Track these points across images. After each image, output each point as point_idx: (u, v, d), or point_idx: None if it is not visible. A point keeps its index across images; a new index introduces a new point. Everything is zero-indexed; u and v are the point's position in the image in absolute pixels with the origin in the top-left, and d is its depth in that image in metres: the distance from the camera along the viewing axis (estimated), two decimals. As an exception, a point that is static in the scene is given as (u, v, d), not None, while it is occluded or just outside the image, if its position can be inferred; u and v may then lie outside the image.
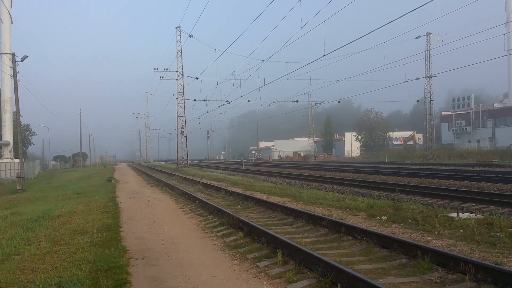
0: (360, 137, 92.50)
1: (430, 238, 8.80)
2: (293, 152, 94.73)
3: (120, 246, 9.15)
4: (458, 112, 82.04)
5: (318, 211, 12.88)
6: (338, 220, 10.35)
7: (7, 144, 55.04)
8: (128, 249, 8.98)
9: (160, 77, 55.04)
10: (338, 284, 5.87)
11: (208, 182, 26.46)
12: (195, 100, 56.21)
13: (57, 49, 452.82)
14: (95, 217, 13.49)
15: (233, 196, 18.13)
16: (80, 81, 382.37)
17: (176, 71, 54.30)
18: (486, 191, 18.00)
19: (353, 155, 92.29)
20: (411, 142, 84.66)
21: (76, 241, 9.66)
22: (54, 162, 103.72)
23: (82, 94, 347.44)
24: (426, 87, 58.39)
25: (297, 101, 59.89)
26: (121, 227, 11.72)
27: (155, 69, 55.06)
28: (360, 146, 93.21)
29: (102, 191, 24.02)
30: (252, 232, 9.77)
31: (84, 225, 11.83)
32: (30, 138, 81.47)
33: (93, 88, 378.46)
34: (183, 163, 56.54)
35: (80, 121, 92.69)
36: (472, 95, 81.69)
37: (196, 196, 17.62)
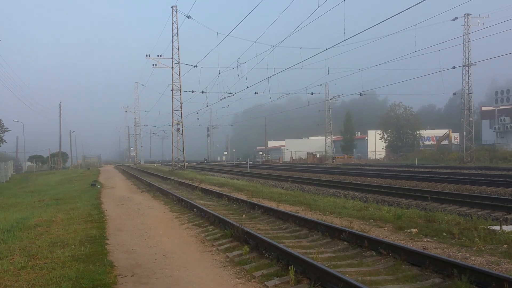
0: (385, 136, 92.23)
1: (468, 255, 8.77)
2: (307, 153, 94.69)
3: (106, 261, 9.18)
4: (501, 107, 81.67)
5: (336, 222, 12.85)
6: (360, 233, 10.32)
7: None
8: (115, 265, 9.00)
9: (153, 65, 55.15)
10: (360, 308, 5.86)
11: (208, 187, 26.49)
12: (193, 91, 56.18)
13: (35, 33, 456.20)
14: (77, 227, 13.54)
15: (237, 204, 18.14)
16: (61, 70, 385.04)
17: (172, 58, 54.35)
18: (534, 200, 17.86)
19: (378, 156, 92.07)
20: (445, 142, 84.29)
21: (55, 255, 9.69)
22: (29, 163, 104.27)
23: (63, 85, 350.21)
24: (464, 78, 58.11)
25: (312, 94, 59.80)
26: (108, 239, 11.75)
27: (147, 55, 55.18)
28: (386, 147, 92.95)
29: (85, 197, 24.12)
30: (259, 246, 9.77)
31: (64, 237, 11.88)
32: (1, 135, 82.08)
33: (75, 78, 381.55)
34: (179, 165, 56.65)
35: (60, 115, 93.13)
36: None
37: (194, 203, 17.64)
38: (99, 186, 32.36)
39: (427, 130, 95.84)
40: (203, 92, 54.98)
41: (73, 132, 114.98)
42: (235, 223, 11.93)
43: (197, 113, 76.72)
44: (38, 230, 13.29)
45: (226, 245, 10.60)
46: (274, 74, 38.67)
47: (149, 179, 38.88)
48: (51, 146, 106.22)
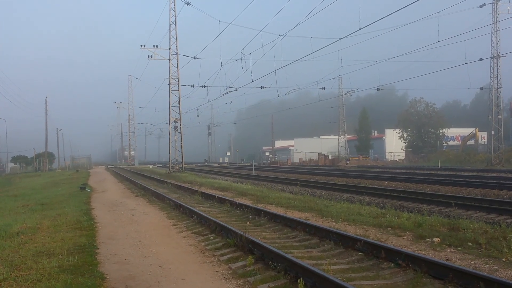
0: (405, 135, 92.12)
1: (496, 267, 8.75)
2: (318, 154, 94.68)
3: (96, 272, 9.21)
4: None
5: (350, 230, 12.85)
6: (377, 242, 10.32)
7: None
8: (106, 277, 9.03)
9: (148, 56, 55.11)
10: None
11: (209, 191, 26.53)
12: (192, 86, 56.22)
13: (19, 23, 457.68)
14: (65, 235, 13.57)
15: (241, 210, 18.17)
16: (47, 62, 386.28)
17: (169, 49, 54.41)
18: None
19: (396, 158, 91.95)
20: (471, 142, 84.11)
21: (40, 266, 9.73)
22: (12, 165, 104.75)
23: (50, 79, 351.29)
24: (492, 71, 57.96)
25: (324, 88, 59.70)
26: (98, 248, 11.79)
27: (141, 46, 55.12)
28: (406, 147, 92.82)
29: (74, 202, 24.18)
30: (265, 256, 9.79)
31: (50, 245, 11.92)
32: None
33: (63, 71, 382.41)
34: (177, 167, 56.72)
35: (46, 112, 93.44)
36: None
37: (194, 209, 17.67)
38: (89, 190, 32.43)
39: (451, 129, 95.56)
40: (203, 86, 54.98)
41: (60, 130, 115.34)
42: (238, 231, 11.93)
43: (197, 109, 77.01)
44: (21, 238, 13.33)
45: (229, 255, 10.62)
46: (282, 67, 38.74)
47: (144, 182, 38.96)
48: (36, 146, 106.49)
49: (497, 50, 56.88)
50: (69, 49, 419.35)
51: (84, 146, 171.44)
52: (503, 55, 57.28)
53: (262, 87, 52.94)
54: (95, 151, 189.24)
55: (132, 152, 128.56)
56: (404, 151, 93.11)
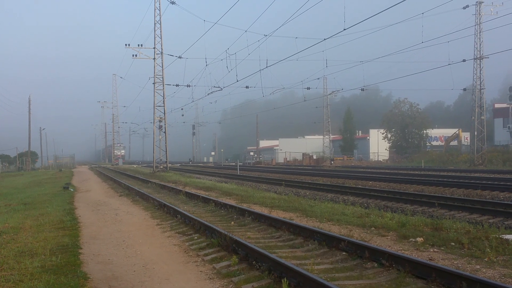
0: (389, 136, 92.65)
1: (478, 266, 8.82)
2: (302, 154, 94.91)
3: (79, 272, 9.16)
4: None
5: (334, 230, 12.90)
6: (361, 242, 10.36)
7: None
8: (90, 277, 8.99)
9: (133, 55, 54.91)
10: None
11: (194, 191, 26.48)
12: (177, 85, 56.16)
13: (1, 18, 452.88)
14: (48, 234, 13.49)
15: (225, 210, 18.15)
16: (31, 60, 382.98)
17: (154, 48, 54.22)
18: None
19: (380, 158, 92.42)
20: (455, 143, 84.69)
21: (23, 266, 9.66)
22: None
23: (33, 76, 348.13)
24: (475, 72, 58.41)
25: (308, 88, 59.94)
26: (81, 248, 11.73)
27: (126, 45, 54.91)
28: (390, 147, 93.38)
29: (57, 201, 24.02)
30: (249, 256, 9.79)
31: (33, 245, 11.84)
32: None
33: (46, 69, 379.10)
34: (161, 167, 56.55)
35: (29, 110, 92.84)
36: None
37: (178, 209, 17.62)
38: (72, 190, 32.22)
39: (434, 130, 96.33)
40: (188, 86, 54.95)
41: (43, 129, 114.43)
42: (222, 231, 11.93)
43: (182, 109, 76.90)
44: (3, 237, 13.23)
45: (213, 255, 10.61)
46: (267, 67, 38.71)
47: (128, 181, 38.80)
48: (19, 145, 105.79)
49: (480, 52, 57.33)
50: (52, 47, 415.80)
51: (67, 145, 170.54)
52: (486, 57, 57.73)
53: (247, 87, 52.96)
54: (79, 150, 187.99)
55: (123, 151, 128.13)
56: (388, 151, 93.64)
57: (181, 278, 8.99)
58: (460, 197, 21.44)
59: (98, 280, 8.79)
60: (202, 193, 25.23)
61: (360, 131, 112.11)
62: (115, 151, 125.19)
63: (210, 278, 8.87)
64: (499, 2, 55.55)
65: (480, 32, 56.61)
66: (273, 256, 9.18)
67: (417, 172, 45.21)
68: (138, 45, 54.75)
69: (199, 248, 11.49)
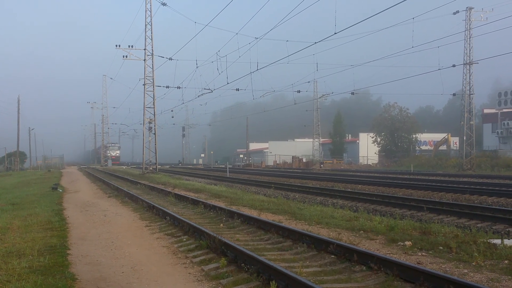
0: (379, 140, 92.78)
1: (466, 271, 8.87)
2: (292, 157, 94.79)
3: (67, 273, 9.12)
4: (505, 110, 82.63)
5: (323, 233, 12.92)
6: (349, 245, 10.39)
7: None
8: (78, 278, 8.95)
9: (123, 56, 54.79)
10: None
11: (183, 193, 26.45)
12: (167, 87, 56.08)
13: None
14: (36, 235, 13.43)
15: (215, 212, 18.14)
16: (20, 59, 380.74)
17: (144, 49, 54.10)
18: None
19: (370, 162, 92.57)
20: (444, 147, 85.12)
21: (10, 266, 9.61)
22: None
23: (22, 76, 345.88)
24: (464, 77, 58.73)
25: (299, 92, 59.86)
26: (69, 249, 11.69)
27: (116, 45, 54.80)
28: (379, 151, 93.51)
29: (45, 202, 23.89)
30: (238, 259, 9.79)
31: (21, 246, 11.78)
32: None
33: (36, 69, 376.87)
34: (151, 168, 56.41)
35: (18, 111, 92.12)
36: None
37: (167, 210, 17.59)
38: (61, 190, 32.07)
39: (424, 134, 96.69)
40: (178, 87, 54.90)
41: (32, 129, 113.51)
42: (211, 233, 11.92)
43: (172, 110, 76.74)
44: (-9, 238, 13.14)
45: (202, 257, 10.60)
46: (257, 69, 38.68)
47: (117, 183, 38.67)
48: (7, 145, 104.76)
49: (469, 57, 57.66)
50: (42, 47, 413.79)
51: (56, 145, 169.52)
52: (476, 62, 58.09)
53: (237, 89, 52.89)
54: (68, 151, 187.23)
55: (118, 152, 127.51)
56: (377, 155, 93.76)
57: (170, 279, 8.97)
58: (448, 202, 21.54)
59: (86, 281, 8.76)
60: (191, 195, 25.20)
61: (350, 135, 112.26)
62: (109, 152, 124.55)
63: (199, 280, 8.86)
64: (489, 8, 56.06)
65: (470, 38, 56.95)
66: (261, 258, 9.19)
67: (406, 176, 45.36)
68: (129, 46, 54.67)
69: (188, 250, 11.47)
